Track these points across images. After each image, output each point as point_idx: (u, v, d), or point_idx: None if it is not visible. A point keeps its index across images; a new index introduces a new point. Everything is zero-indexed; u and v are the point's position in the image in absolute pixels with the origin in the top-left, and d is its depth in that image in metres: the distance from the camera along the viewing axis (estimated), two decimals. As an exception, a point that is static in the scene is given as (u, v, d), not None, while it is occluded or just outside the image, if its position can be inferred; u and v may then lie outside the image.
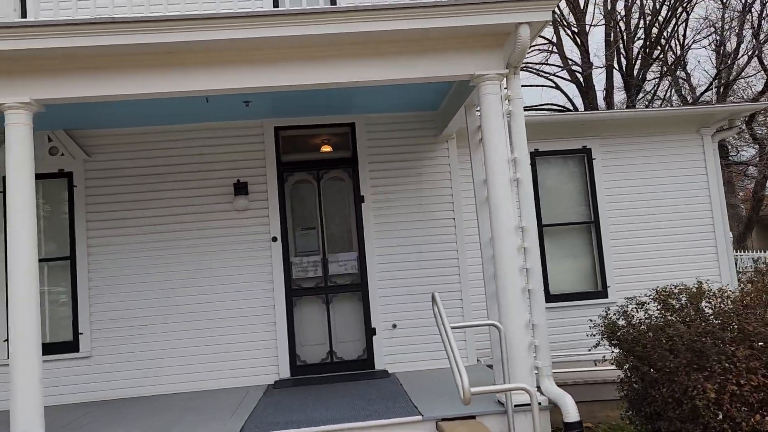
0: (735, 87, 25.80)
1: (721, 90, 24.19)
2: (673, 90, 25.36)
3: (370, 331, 6.66)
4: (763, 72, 24.11)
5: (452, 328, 4.45)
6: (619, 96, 24.55)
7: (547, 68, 25.83)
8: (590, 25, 23.94)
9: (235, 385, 6.46)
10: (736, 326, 4.05)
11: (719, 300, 4.43)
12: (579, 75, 24.39)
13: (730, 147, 24.33)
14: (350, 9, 4.54)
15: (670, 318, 4.29)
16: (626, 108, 22.99)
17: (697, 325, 4.07)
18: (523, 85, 27.28)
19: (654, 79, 25.67)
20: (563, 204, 7.72)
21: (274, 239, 6.64)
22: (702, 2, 32.65)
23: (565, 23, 24.52)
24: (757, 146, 24.31)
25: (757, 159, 23.78)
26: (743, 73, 25.35)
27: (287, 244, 6.69)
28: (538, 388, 4.70)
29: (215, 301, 6.57)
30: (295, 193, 6.92)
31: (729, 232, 7.66)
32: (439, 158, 6.99)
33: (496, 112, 4.88)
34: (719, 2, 24.37)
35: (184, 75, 4.72)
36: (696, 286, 4.66)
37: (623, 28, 23.94)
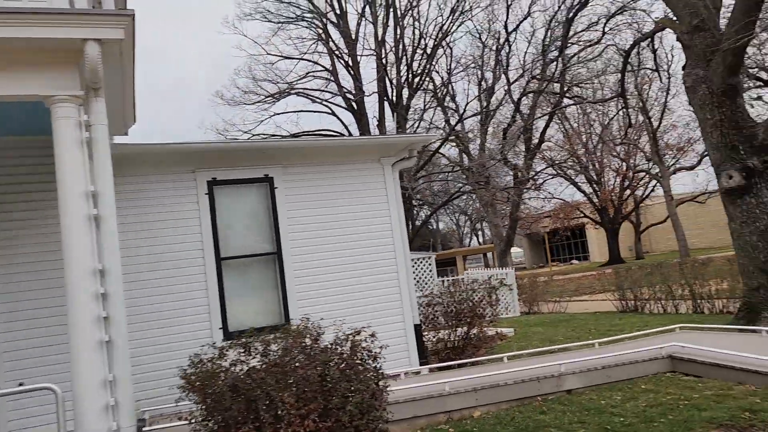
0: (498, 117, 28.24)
1: (485, 118, 26.32)
2: (443, 117, 27.10)
3: (-13, 395, 5.62)
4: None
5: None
6: (391, 123, 25.62)
7: (325, 95, 26.20)
8: (361, 56, 24.75)
9: None
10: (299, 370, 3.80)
11: (308, 340, 4.21)
12: (353, 102, 25.05)
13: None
14: None
15: (226, 364, 3.94)
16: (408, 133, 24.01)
17: (255, 371, 3.75)
18: (299, 111, 27.48)
19: (426, 108, 27.20)
20: (245, 235, 7.32)
21: None
22: (463, 38, 35.61)
23: (338, 53, 25.11)
24: (511, 172, 26.71)
25: (512, 184, 26.14)
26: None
27: None
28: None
29: None
30: None
31: (409, 261, 7.79)
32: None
33: (72, 139, 4.27)
34: (479, 41, 26.61)
35: None
36: (300, 325, 4.42)
37: (393, 59, 25.09)
